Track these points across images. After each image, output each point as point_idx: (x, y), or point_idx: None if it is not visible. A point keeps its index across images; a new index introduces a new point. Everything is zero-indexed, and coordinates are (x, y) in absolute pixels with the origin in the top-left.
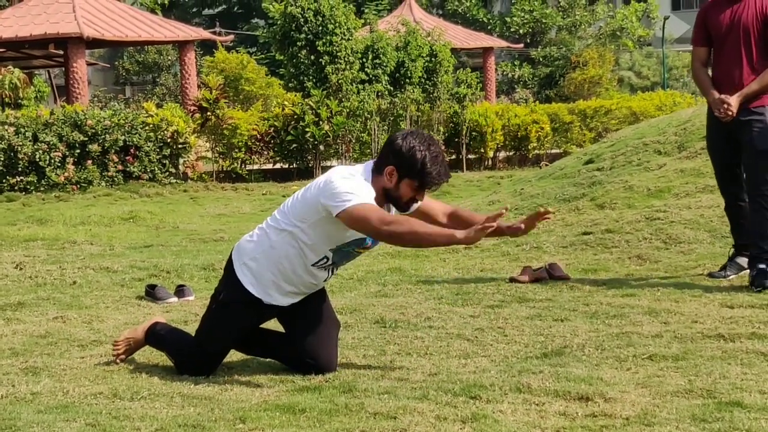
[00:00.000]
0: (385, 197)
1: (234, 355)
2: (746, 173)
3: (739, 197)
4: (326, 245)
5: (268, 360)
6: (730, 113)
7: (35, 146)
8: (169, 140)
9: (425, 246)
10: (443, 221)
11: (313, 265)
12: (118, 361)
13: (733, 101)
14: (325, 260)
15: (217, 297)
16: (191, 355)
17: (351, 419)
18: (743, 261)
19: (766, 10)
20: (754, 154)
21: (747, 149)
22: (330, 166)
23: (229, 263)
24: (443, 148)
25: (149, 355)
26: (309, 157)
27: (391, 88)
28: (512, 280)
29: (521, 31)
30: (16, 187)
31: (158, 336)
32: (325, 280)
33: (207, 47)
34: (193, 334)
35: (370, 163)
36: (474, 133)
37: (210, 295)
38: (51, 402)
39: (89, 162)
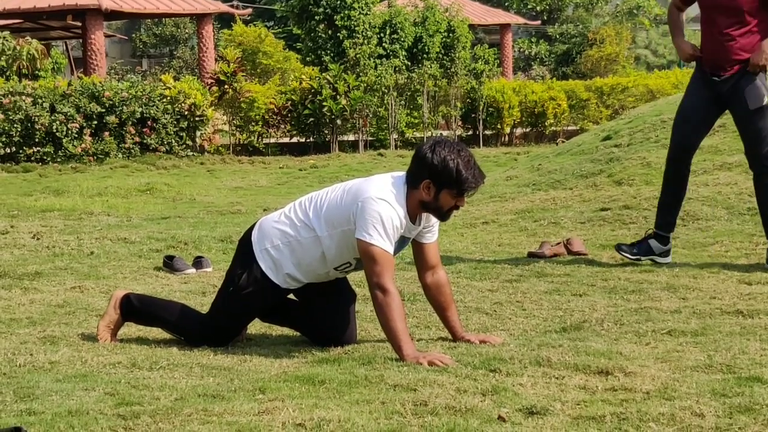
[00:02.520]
0: (422, 208)
1: (253, 327)
2: (746, 145)
3: (682, 173)
4: (351, 254)
5: (287, 332)
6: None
7: (52, 117)
8: (186, 113)
9: (381, 323)
10: (424, 278)
11: (335, 268)
12: (112, 342)
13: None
14: (348, 265)
15: (234, 279)
16: (203, 329)
17: (371, 391)
18: (655, 246)
19: None
20: (747, 117)
21: (741, 114)
22: (347, 141)
23: (248, 242)
24: (459, 123)
25: None
26: (326, 132)
27: (409, 63)
28: (530, 255)
29: (538, 8)
30: (32, 158)
31: (141, 313)
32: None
33: (224, 21)
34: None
35: (400, 175)
36: (491, 109)
37: (226, 270)
38: (69, 371)
39: (106, 134)
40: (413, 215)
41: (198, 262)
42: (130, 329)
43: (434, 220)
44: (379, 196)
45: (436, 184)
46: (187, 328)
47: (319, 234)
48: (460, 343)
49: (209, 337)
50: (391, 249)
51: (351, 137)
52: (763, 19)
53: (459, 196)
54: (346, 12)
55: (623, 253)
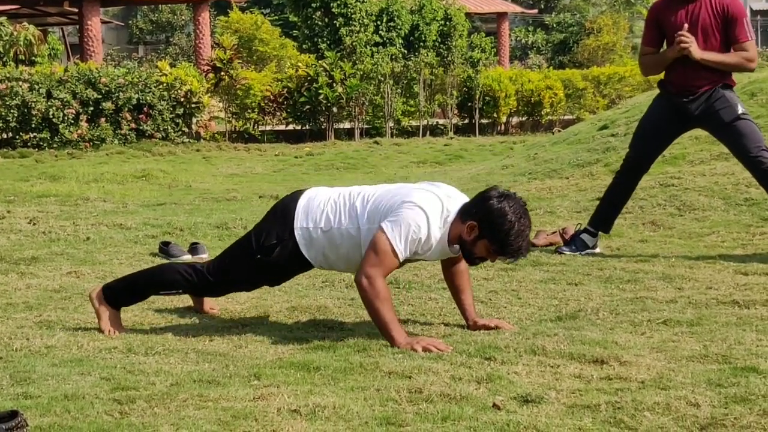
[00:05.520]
0: (458, 242)
1: (248, 312)
2: (734, 152)
3: (631, 185)
4: None
5: (282, 318)
6: (686, 43)
7: (49, 103)
8: (182, 99)
9: (369, 313)
10: (446, 264)
11: None
12: (121, 333)
13: (693, 42)
14: None
15: (264, 249)
16: (209, 282)
17: (366, 378)
18: (588, 239)
19: (722, 9)
20: (725, 128)
21: (718, 128)
22: (343, 129)
23: (289, 214)
24: (456, 112)
25: (163, 312)
26: (322, 119)
27: (405, 52)
28: None
29: None
30: (29, 144)
31: (127, 292)
32: None
33: (221, 7)
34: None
35: (464, 201)
36: (487, 98)
37: (253, 229)
38: (65, 355)
39: (102, 120)
40: (450, 243)
41: (194, 249)
42: (125, 315)
43: None
44: (425, 208)
45: (481, 230)
46: (187, 282)
47: (360, 226)
48: (455, 330)
49: (213, 290)
50: (402, 255)
51: (347, 125)
52: (725, 39)
53: (494, 254)
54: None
55: (564, 252)
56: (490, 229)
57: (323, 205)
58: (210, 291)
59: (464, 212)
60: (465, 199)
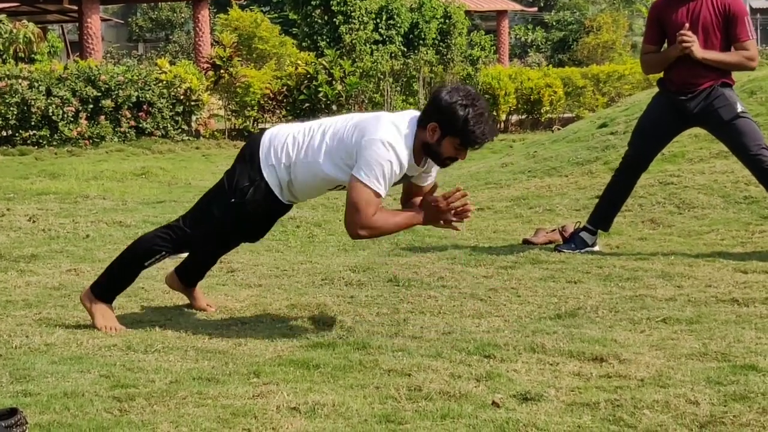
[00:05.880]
0: (424, 151)
1: (248, 310)
2: (733, 151)
3: (629, 183)
4: (348, 178)
5: (282, 315)
6: (688, 42)
7: (48, 100)
8: (182, 97)
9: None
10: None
11: (330, 189)
12: (119, 328)
13: (695, 42)
14: (343, 188)
15: (238, 191)
16: (185, 236)
17: (365, 375)
18: (587, 237)
19: (723, 8)
20: (724, 127)
21: (717, 127)
22: None
23: (255, 154)
24: None
25: (163, 309)
26: (321, 117)
27: (405, 50)
28: (525, 241)
29: None
30: (28, 141)
31: (112, 281)
32: None
33: (220, 5)
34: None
35: (416, 115)
36: (487, 96)
37: (224, 175)
38: (65, 353)
39: (102, 117)
40: (418, 156)
41: None
42: (125, 312)
43: (435, 167)
44: (386, 139)
45: (441, 129)
46: (166, 242)
47: (321, 161)
48: (455, 328)
49: (192, 242)
50: (384, 193)
51: None
52: (726, 37)
53: (461, 147)
54: None
55: (564, 251)
56: (449, 123)
57: (284, 143)
58: (188, 244)
59: (422, 119)
60: (412, 113)
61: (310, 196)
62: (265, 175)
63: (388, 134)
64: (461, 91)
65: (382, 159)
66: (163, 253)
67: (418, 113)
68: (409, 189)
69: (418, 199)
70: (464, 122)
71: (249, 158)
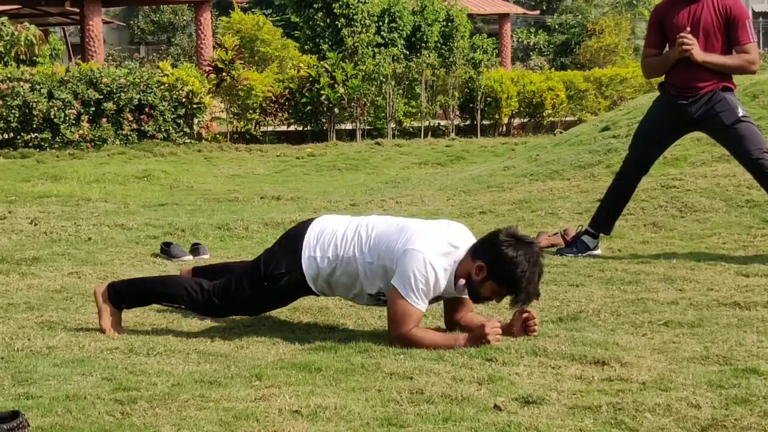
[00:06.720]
0: (465, 279)
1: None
2: (735, 155)
3: (631, 186)
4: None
5: (284, 318)
6: (688, 45)
7: (50, 103)
8: (183, 100)
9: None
10: (453, 317)
11: (369, 294)
12: (121, 334)
13: (696, 45)
14: (383, 295)
15: (273, 277)
16: (213, 304)
17: (367, 379)
18: (589, 240)
19: (725, 10)
20: (726, 131)
21: (719, 131)
22: (344, 130)
23: (298, 242)
24: (457, 113)
25: (165, 313)
26: (323, 120)
27: (407, 53)
28: None
29: None
30: (30, 144)
31: (132, 296)
32: None
33: (222, 8)
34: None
35: (467, 234)
36: (489, 99)
37: (264, 253)
38: (67, 356)
39: (104, 120)
40: (457, 281)
41: (195, 249)
42: (126, 315)
43: None
44: (429, 258)
45: (489, 273)
46: (191, 299)
47: (361, 258)
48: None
49: (216, 311)
50: (424, 307)
51: (348, 126)
52: (727, 41)
53: (502, 294)
54: (345, 0)
55: (566, 254)
56: (500, 273)
57: (332, 235)
58: (212, 312)
59: (475, 252)
60: (464, 229)
61: (345, 294)
62: (304, 266)
63: (433, 252)
64: (527, 247)
65: (417, 272)
66: (182, 306)
67: (468, 232)
68: (450, 302)
69: (465, 317)
70: (518, 282)
71: (292, 244)
